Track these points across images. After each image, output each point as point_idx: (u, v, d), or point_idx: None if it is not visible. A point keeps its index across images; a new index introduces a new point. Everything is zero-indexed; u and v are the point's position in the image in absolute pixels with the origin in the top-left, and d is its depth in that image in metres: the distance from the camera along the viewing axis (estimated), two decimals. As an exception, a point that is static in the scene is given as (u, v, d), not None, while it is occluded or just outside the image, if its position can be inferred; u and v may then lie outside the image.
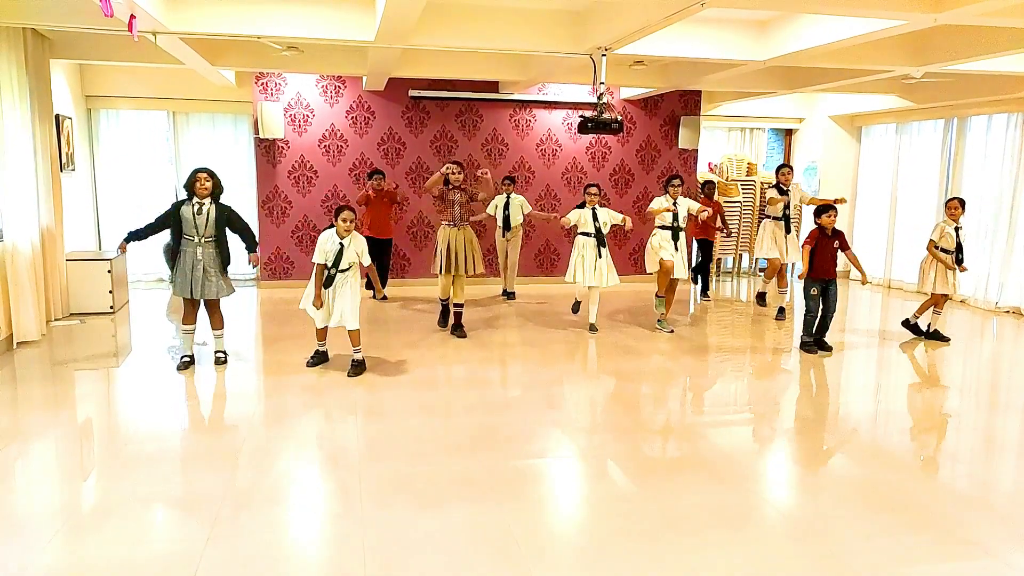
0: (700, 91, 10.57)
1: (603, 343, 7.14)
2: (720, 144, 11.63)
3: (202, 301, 5.98)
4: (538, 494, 3.83)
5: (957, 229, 7.07)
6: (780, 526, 3.50)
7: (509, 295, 9.29)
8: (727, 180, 11.03)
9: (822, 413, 5.34)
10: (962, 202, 7.10)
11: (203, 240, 5.75)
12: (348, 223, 5.69)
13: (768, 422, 5.14)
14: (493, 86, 9.88)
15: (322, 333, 6.06)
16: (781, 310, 8.33)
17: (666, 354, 6.82)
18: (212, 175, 5.75)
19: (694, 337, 7.52)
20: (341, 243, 5.72)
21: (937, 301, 7.27)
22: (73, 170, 8.54)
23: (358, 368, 5.93)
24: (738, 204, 10.92)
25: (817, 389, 6.04)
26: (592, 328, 7.48)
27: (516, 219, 8.90)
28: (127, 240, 5.89)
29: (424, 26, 6.13)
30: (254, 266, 6.34)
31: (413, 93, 9.69)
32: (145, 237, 5.87)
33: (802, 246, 6.78)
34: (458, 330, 7.30)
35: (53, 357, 6.31)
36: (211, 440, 4.56)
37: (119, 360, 6.50)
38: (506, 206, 8.89)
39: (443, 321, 7.49)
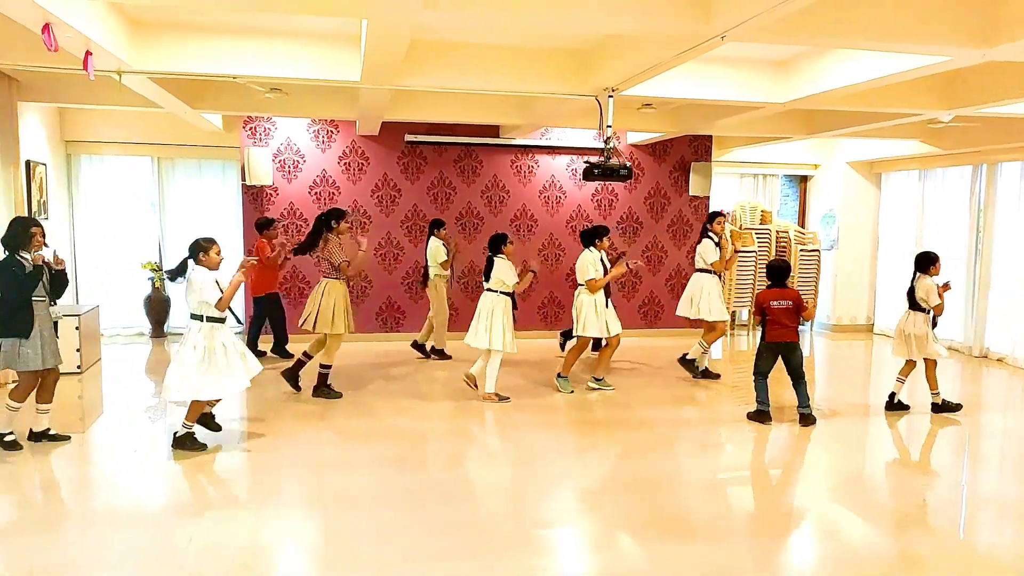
0: (711, 136, 10.10)
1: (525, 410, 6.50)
2: (732, 191, 11.11)
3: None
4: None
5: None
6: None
7: (443, 354, 8.39)
8: (740, 228, 10.50)
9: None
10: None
11: (49, 299, 5.12)
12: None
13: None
14: (493, 130, 9.42)
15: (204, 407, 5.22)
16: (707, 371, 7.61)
17: (630, 423, 6.18)
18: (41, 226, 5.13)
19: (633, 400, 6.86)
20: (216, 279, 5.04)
21: (912, 368, 6.37)
22: (46, 218, 8.04)
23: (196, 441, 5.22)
24: (753, 253, 10.36)
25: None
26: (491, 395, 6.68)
27: None
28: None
29: (414, 66, 5.65)
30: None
31: (409, 138, 9.22)
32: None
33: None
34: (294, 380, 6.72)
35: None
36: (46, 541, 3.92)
37: (85, 424, 5.94)
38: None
39: (330, 390, 6.60)
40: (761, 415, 6.02)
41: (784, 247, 10.60)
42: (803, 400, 5.98)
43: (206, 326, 4.98)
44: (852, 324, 10.87)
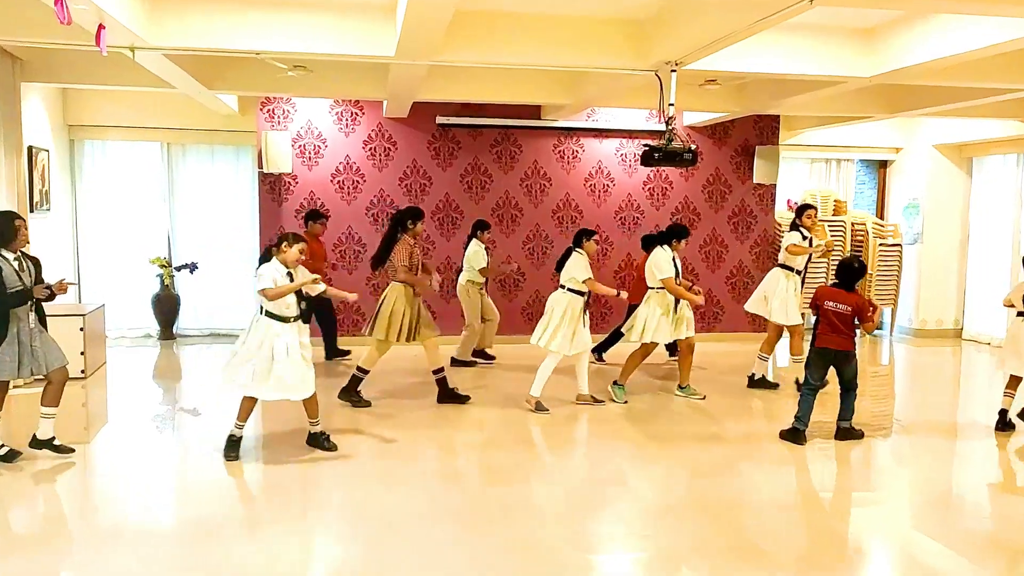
0: (778, 116, 9.88)
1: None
2: (801, 178, 10.86)
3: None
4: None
5: None
6: None
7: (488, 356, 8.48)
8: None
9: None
10: None
11: (32, 301, 4.93)
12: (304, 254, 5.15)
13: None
14: (534, 111, 9.31)
15: (250, 409, 5.24)
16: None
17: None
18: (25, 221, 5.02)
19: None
20: (290, 273, 5.08)
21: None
22: (48, 210, 8.11)
23: (327, 441, 5.33)
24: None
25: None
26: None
27: None
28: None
29: (454, 39, 5.54)
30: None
31: (441, 120, 9.15)
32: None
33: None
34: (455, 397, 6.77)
35: (8, 433, 5.66)
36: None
37: (90, 434, 6.01)
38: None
39: (359, 398, 6.59)
40: (795, 434, 5.74)
41: (861, 241, 10.35)
42: (846, 413, 5.80)
43: (264, 320, 5.04)
44: (938, 328, 10.57)
